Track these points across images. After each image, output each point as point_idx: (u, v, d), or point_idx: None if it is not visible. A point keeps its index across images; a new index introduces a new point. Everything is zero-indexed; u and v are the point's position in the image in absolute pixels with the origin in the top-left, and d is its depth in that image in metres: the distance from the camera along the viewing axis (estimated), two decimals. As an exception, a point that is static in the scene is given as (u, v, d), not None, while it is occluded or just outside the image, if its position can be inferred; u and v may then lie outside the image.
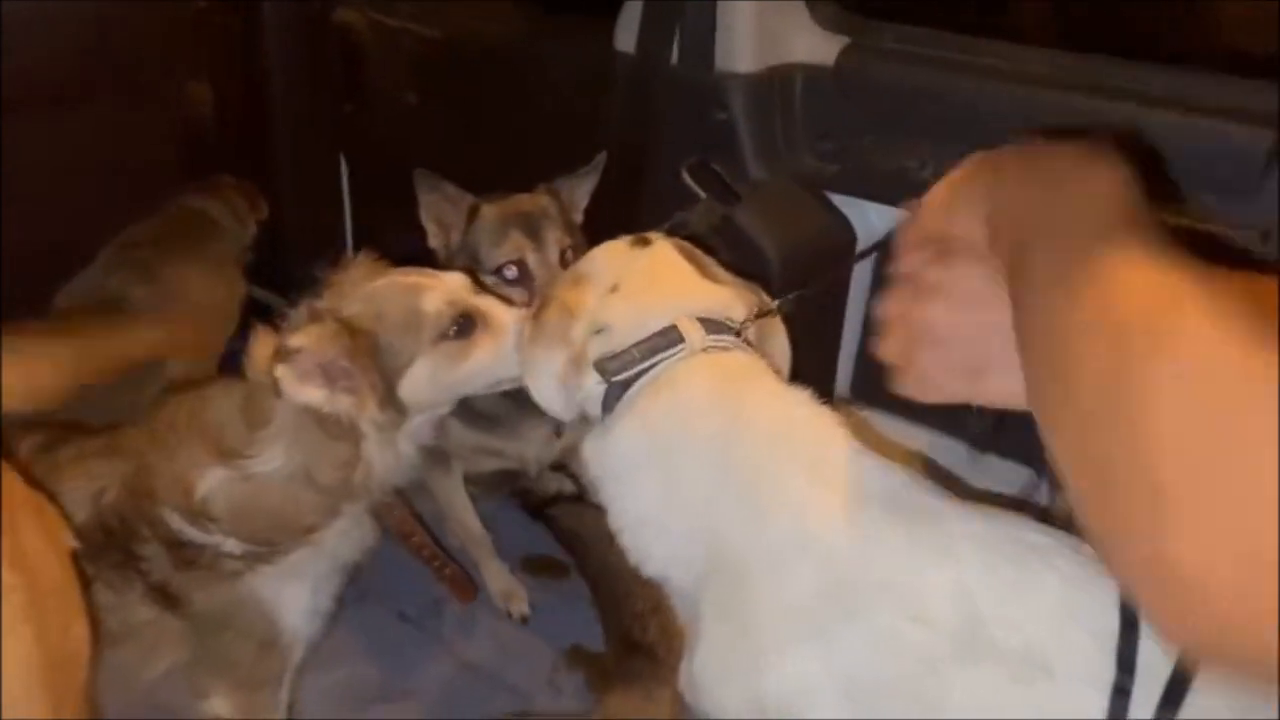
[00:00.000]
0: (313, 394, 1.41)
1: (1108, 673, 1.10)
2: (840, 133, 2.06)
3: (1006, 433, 1.54)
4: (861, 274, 2.12)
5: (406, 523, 1.63)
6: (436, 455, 2.16)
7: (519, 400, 2.02)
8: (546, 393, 1.31)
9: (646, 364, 1.26)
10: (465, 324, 1.48)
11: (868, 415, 2.18)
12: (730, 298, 1.32)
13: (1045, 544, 1.20)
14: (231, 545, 1.50)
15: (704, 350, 1.27)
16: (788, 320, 2.33)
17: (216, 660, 1.59)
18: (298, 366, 1.39)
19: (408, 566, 2.16)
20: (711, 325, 1.29)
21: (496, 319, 1.49)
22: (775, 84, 2.04)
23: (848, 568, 1.19)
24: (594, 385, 1.28)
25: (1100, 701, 1.10)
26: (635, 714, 1.68)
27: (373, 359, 1.44)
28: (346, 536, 1.61)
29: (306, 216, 2.96)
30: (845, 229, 2.08)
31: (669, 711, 1.78)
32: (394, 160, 2.11)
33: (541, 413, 2.09)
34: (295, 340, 1.39)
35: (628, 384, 1.27)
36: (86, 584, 1.25)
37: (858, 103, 2.00)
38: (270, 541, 1.53)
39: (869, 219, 2.09)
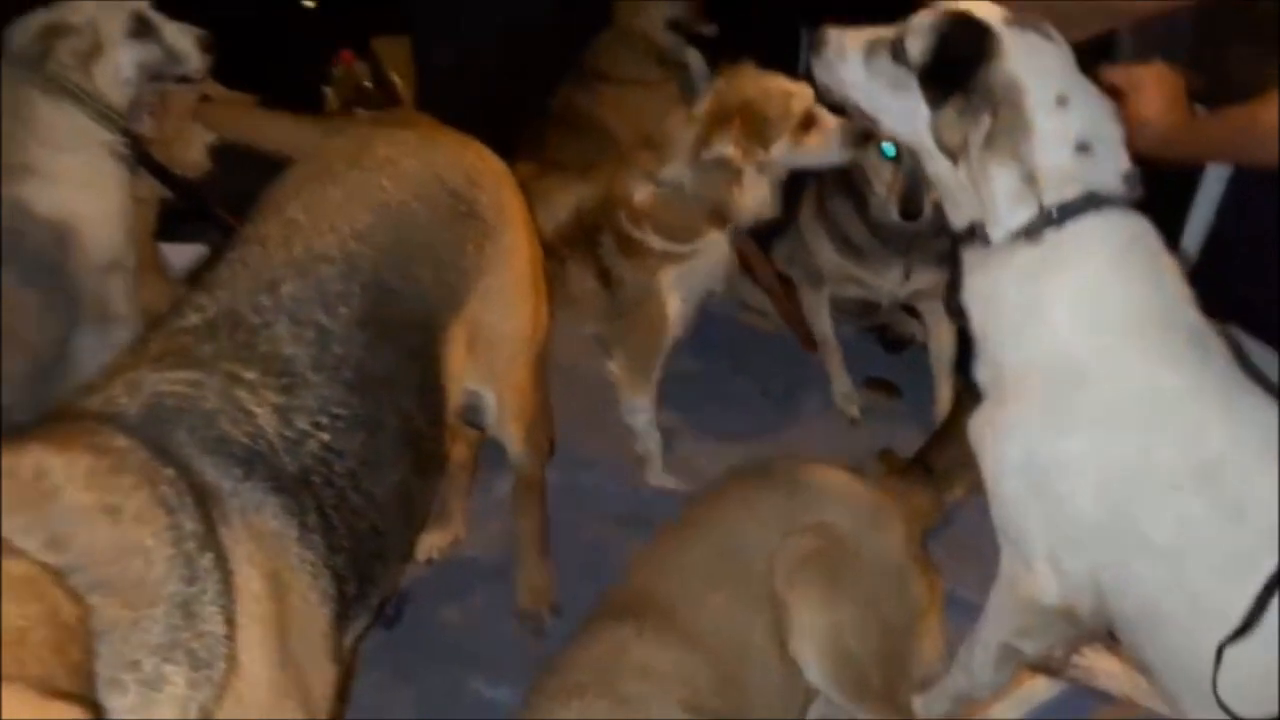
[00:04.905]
0: (728, 151, 2.19)
1: None
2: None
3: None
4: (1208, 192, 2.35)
5: (771, 280, 2.36)
6: (812, 277, 2.77)
7: (883, 238, 2.56)
8: (961, 195, 1.52)
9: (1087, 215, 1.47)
10: (809, 120, 2.22)
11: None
12: None
13: None
14: (653, 240, 2.29)
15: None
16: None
17: (621, 330, 2.39)
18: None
19: (771, 354, 2.83)
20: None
21: (827, 122, 2.21)
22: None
23: (1160, 395, 1.50)
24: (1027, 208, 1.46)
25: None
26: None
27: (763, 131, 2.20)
28: (714, 268, 2.37)
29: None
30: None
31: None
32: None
33: (899, 251, 2.69)
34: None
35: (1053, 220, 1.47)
36: (562, 261, 2.08)
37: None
38: (674, 238, 2.28)
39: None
